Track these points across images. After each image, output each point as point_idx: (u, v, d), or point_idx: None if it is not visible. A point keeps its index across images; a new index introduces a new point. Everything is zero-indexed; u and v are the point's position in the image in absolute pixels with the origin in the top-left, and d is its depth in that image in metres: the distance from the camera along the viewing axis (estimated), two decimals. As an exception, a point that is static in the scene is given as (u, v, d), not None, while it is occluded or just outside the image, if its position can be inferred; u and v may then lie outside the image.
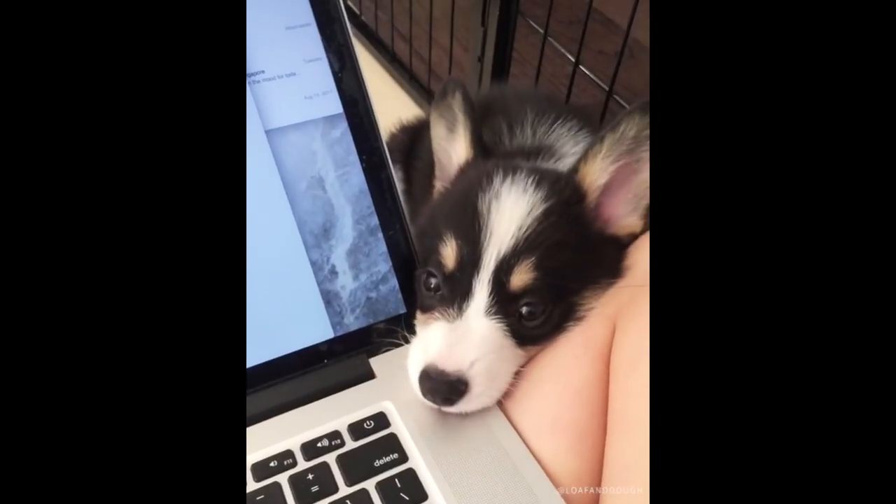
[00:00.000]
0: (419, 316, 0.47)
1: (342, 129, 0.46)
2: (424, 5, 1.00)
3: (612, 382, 0.41)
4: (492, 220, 0.43)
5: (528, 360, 0.44)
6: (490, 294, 0.43)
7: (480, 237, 0.43)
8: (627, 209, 0.47)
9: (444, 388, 0.40)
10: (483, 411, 0.42)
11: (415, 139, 0.69)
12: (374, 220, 0.47)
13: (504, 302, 0.43)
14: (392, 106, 0.94)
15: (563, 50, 0.80)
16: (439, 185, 0.55)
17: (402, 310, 0.47)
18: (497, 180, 0.45)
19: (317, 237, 0.45)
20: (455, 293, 0.43)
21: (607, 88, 0.72)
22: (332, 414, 0.42)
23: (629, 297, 0.43)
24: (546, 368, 0.43)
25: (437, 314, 0.44)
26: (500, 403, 0.43)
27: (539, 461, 0.40)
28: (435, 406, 0.42)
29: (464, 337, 0.42)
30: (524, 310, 0.43)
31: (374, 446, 0.41)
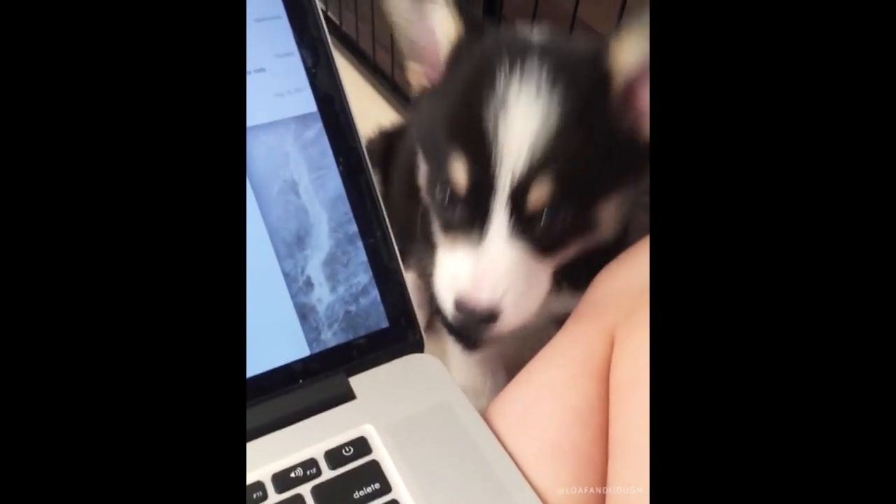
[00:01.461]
0: (439, 233, 0.45)
1: (317, 129, 0.43)
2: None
3: (612, 403, 0.38)
4: (501, 136, 0.39)
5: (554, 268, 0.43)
6: (510, 215, 0.40)
7: (491, 157, 0.39)
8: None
9: (477, 318, 0.41)
10: (475, 434, 0.39)
11: (394, 144, 0.66)
12: (353, 228, 0.43)
13: (524, 220, 0.41)
14: (375, 116, 0.91)
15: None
16: (418, 73, 0.48)
17: (384, 324, 0.44)
18: (501, 80, 0.40)
19: (290, 246, 0.42)
20: (474, 216, 0.41)
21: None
22: (308, 440, 0.38)
23: (627, 310, 0.40)
24: (543, 388, 0.40)
25: (459, 237, 0.42)
26: (495, 427, 0.40)
27: (538, 491, 0.36)
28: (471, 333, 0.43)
29: (491, 266, 0.41)
30: (544, 221, 0.41)
31: (354, 475, 0.37)
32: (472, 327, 0.42)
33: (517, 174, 0.39)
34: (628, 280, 0.41)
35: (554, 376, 0.40)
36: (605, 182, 0.42)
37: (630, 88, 0.41)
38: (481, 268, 0.41)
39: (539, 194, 0.39)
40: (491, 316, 0.41)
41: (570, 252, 0.44)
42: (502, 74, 0.40)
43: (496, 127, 0.39)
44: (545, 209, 0.40)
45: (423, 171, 0.48)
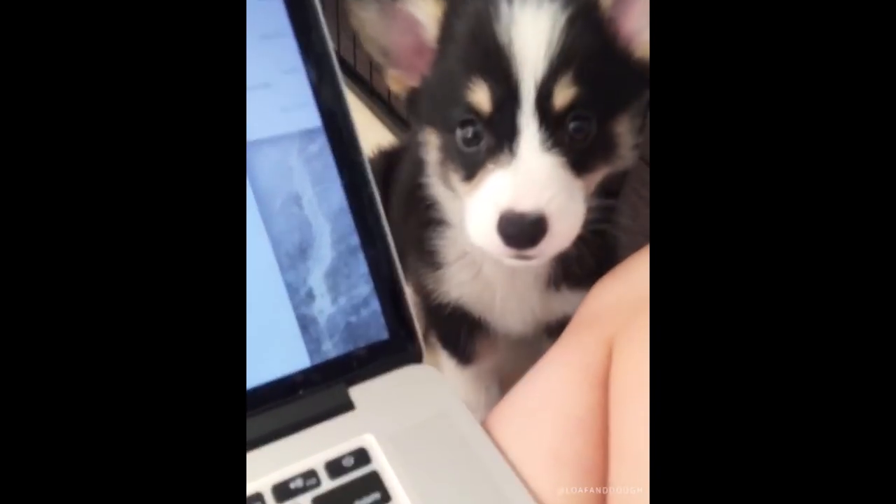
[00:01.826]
0: (463, 185, 0.44)
1: (321, 144, 0.43)
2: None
3: (612, 412, 0.38)
4: (517, 47, 0.40)
5: (588, 194, 0.43)
6: (539, 125, 0.40)
7: (512, 70, 0.40)
8: (642, 23, 0.44)
9: (528, 229, 0.39)
10: (475, 443, 0.39)
11: (393, 163, 0.67)
12: (355, 240, 0.44)
13: (554, 127, 0.41)
14: (372, 138, 0.93)
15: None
16: (399, 77, 0.50)
17: (385, 335, 0.44)
18: (505, 3, 0.41)
19: (293, 258, 0.42)
20: (502, 136, 0.41)
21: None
22: (308, 450, 0.38)
23: (626, 319, 0.40)
24: (543, 395, 0.40)
25: (489, 165, 0.41)
26: (495, 436, 0.40)
27: (538, 500, 0.36)
28: (514, 256, 0.41)
29: (530, 176, 0.40)
30: (572, 127, 0.41)
31: (354, 486, 0.37)
32: (523, 242, 0.40)
33: (539, 79, 0.40)
34: (626, 290, 0.42)
35: (554, 385, 0.40)
36: (618, 92, 0.43)
37: (616, 7, 0.43)
38: (521, 178, 0.40)
39: (564, 96, 0.40)
40: (541, 225, 0.39)
41: (597, 176, 0.44)
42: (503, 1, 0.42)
43: (510, 41, 0.40)
44: (571, 115, 0.41)
45: (434, 147, 0.48)
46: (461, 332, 0.61)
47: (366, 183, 0.44)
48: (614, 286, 0.43)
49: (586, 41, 0.41)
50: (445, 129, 0.45)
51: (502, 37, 0.41)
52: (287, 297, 0.42)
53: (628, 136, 0.45)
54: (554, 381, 0.40)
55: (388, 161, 0.70)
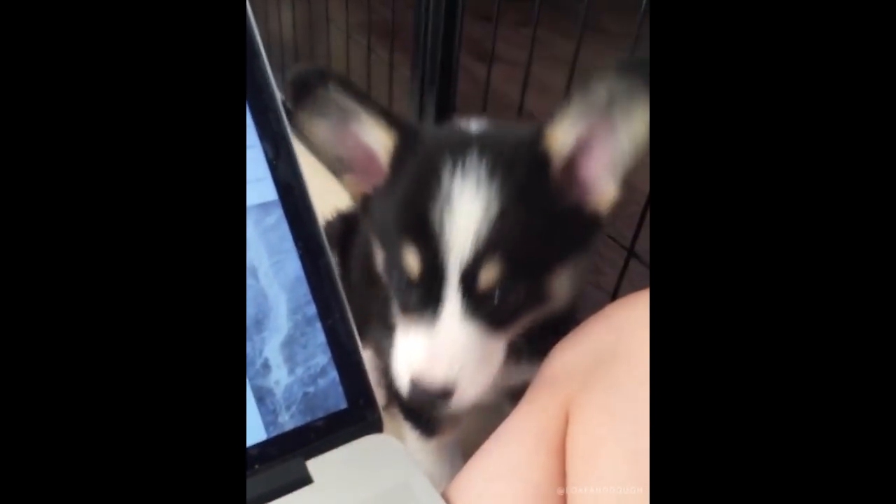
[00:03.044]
0: (399, 314, 0.47)
1: (276, 216, 0.44)
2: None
3: (569, 479, 0.38)
4: (447, 228, 0.42)
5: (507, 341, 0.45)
6: (462, 297, 0.43)
7: (439, 247, 0.42)
8: (603, 174, 0.45)
9: (433, 396, 0.43)
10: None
11: (351, 225, 0.68)
12: (312, 309, 0.44)
13: (476, 300, 0.43)
14: (333, 199, 0.94)
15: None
16: (354, 183, 0.51)
17: (343, 404, 0.44)
18: (444, 176, 0.43)
19: (248, 329, 0.42)
20: (428, 299, 0.44)
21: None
22: (263, 528, 0.38)
23: (581, 384, 0.41)
24: (501, 463, 0.40)
25: (415, 319, 0.44)
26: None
27: (497, 569, 0.36)
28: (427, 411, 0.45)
29: (445, 346, 0.43)
30: (497, 299, 0.43)
31: (312, 564, 0.36)
32: (428, 404, 0.44)
33: (464, 261, 0.42)
34: (581, 355, 0.43)
35: (511, 453, 0.40)
36: (553, 255, 0.45)
37: (570, 164, 0.45)
38: (436, 347, 0.43)
39: (488, 276, 0.42)
40: (446, 392, 0.43)
41: (524, 322, 0.46)
42: (444, 171, 0.43)
43: (441, 220, 0.42)
44: (496, 288, 0.43)
45: (380, 257, 0.50)
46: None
47: (322, 253, 0.45)
48: (570, 351, 0.44)
49: (519, 222, 0.42)
50: (388, 255, 0.47)
51: (436, 213, 0.43)
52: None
53: (566, 286, 0.47)
54: (512, 447, 0.41)
55: (347, 224, 0.71)
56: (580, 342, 0.46)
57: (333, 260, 0.45)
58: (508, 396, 0.62)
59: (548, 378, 0.46)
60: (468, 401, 0.44)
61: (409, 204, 0.45)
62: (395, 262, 0.46)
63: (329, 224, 0.74)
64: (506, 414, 0.45)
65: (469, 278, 0.43)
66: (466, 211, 0.42)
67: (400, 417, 0.66)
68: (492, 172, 0.43)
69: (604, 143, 0.44)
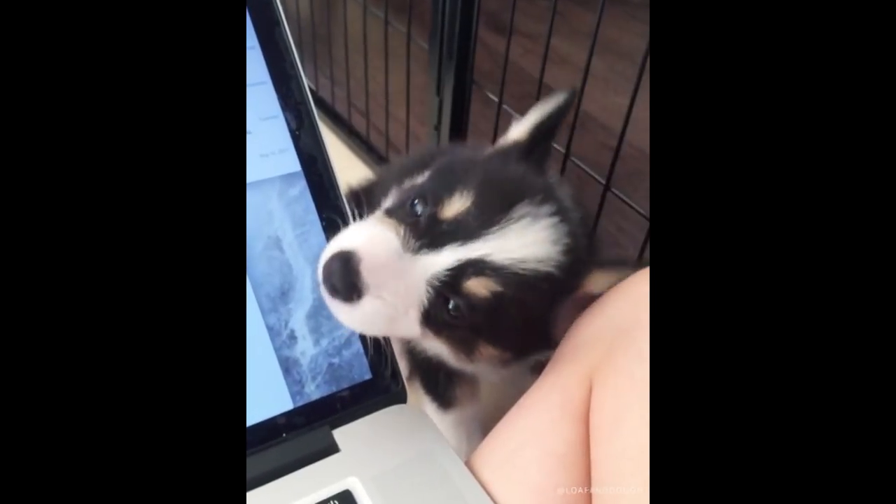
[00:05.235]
0: (379, 213, 0.45)
1: (300, 188, 0.44)
2: (380, 82, 1.02)
3: (593, 447, 0.38)
4: (490, 233, 0.42)
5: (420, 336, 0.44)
6: (449, 273, 0.41)
7: (474, 237, 0.42)
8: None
9: (343, 279, 0.39)
10: (460, 483, 0.39)
11: (360, 200, 0.68)
12: (336, 281, 0.44)
13: (449, 286, 0.41)
14: (351, 175, 0.94)
15: (518, 117, 0.82)
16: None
17: (368, 375, 0.44)
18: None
19: (274, 300, 0.43)
20: (432, 238, 0.42)
21: (563, 151, 0.73)
22: (292, 494, 0.38)
23: (603, 354, 0.41)
24: (525, 433, 0.40)
25: (400, 225, 0.42)
26: (479, 474, 0.40)
27: (523, 535, 0.36)
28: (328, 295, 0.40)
29: (403, 269, 0.41)
30: (452, 306, 0.42)
31: (340, 530, 0.37)
32: (333, 286, 0.39)
33: (472, 258, 0.42)
34: (604, 323, 0.43)
35: (534, 423, 0.41)
36: (504, 339, 0.45)
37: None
38: (398, 261, 0.41)
39: (479, 286, 0.41)
40: (355, 285, 0.39)
41: (438, 346, 0.46)
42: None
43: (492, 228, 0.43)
44: (465, 299, 0.42)
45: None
46: (440, 377, 0.61)
47: (346, 224, 0.45)
48: (592, 322, 0.44)
49: (524, 287, 0.42)
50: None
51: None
52: (269, 339, 0.42)
53: (488, 362, 0.47)
54: (535, 418, 0.41)
55: (357, 199, 0.70)
56: (601, 314, 0.46)
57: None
58: (529, 369, 0.62)
59: (570, 349, 0.46)
60: (354, 322, 0.41)
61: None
62: (427, 195, 0.44)
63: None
64: (525, 387, 0.45)
65: (469, 270, 0.42)
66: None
67: (420, 391, 0.66)
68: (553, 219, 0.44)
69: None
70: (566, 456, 0.38)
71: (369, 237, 0.41)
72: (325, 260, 0.40)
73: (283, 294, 0.43)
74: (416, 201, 0.44)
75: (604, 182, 0.69)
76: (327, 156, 0.45)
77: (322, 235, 0.44)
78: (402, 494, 0.38)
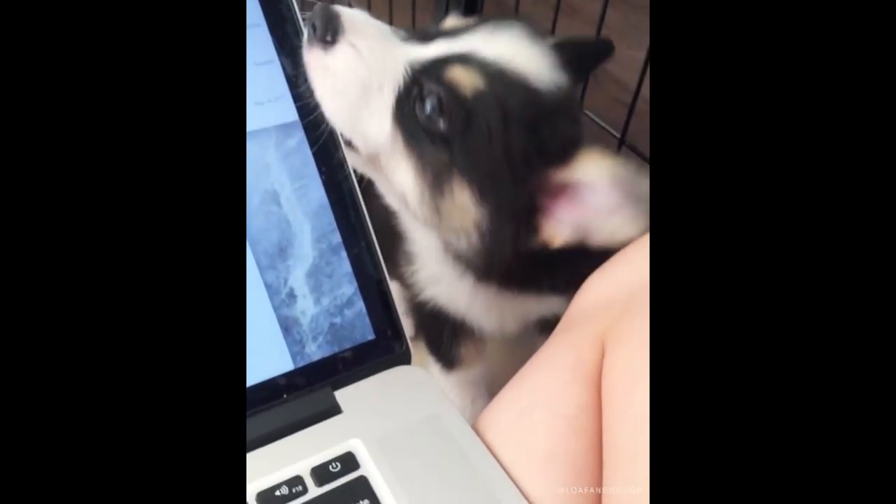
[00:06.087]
0: None
1: (298, 139, 0.42)
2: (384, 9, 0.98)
3: (605, 411, 0.37)
4: (482, 27, 0.43)
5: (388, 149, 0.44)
6: (433, 61, 0.41)
7: (469, 31, 0.43)
8: (570, 222, 0.44)
9: (322, 17, 0.41)
10: (466, 445, 0.38)
11: None
12: (337, 238, 0.42)
13: (431, 74, 0.41)
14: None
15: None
16: None
17: (370, 335, 0.43)
18: None
19: (272, 257, 0.41)
20: (422, 36, 0.43)
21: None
22: (293, 456, 0.37)
23: (617, 316, 0.39)
24: (534, 395, 0.39)
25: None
26: (485, 437, 0.39)
27: (532, 502, 0.35)
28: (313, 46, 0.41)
29: (386, 41, 0.42)
30: (430, 107, 0.41)
31: (342, 492, 0.35)
32: (313, 25, 0.41)
33: (461, 51, 0.42)
34: (617, 285, 0.41)
35: (544, 384, 0.39)
36: (481, 171, 0.43)
37: (567, 185, 0.43)
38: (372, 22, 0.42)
39: (458, 74, 0.41)
40: (333, 21, 0.41)
41: (400, 167, 0.44)
42: None
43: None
44: (444, 92, 0.41)
45: None
46: (444, 333, 0.60)
47: (346, 178, 0.43)
48: (604, 282, 0.42)
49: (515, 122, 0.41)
50: None
51: None
52: (267, 297, 0.41)
53: (459, 213, 0.44)
54: (544, 380, 0.39)
55: None
56: (614, 274, 0.44)
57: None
58: (538, 328, 0.61)
59: (582, 309, 0.44)
60: (339, 62, 0.42)
61: None
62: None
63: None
64: (534, 348, 0.44)
65: (446, 62, 0.42)
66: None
67: (424, 350, 0.65)
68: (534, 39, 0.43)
69: (597, 205, 0.43)
70: (577, 419, 0.37)
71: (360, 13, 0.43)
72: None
73: (282, 251, 0.41)
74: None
75: (618, 136, 0.66)
76: (326, 104, 0.42)
77: (321, 189, 0.42)
78: (406, 457, 0.37)
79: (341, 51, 0.41)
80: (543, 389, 0.39)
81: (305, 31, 0.41)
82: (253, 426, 0.38)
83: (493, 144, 0.41)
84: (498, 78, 0.40)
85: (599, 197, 0.42)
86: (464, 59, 0.41)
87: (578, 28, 0.77)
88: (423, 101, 0.41)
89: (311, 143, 0.42)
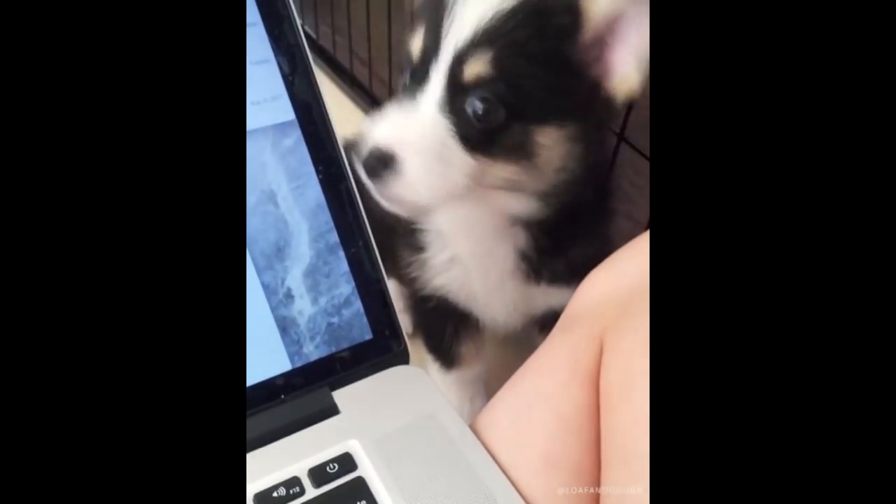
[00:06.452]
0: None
1: (295, 138, 0.42)
2: (383, 29, 0.97)
3: (603, 411, 0.37)
4: (455, 10, 0.41)
5: (479, 175, 0.43)
6: (445, 86, 0.42)
7: (442, 27, 0.42)
8: (629, 60, 0.43)
9: (372, 158, 0.41)
10: (464, 446, 0.38)
11: None
12: (334, 237, 0.42)
13: (457, 93, 0.42)
14: (354, 129, 0.91)
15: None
16: None
17: (368, 335, 0.43)
18: None
19: (269, 257, 0.41)
20: (416, 83, 0.43)
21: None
22: (290, 457, 0.37)
23: (617, 314, 0.39)
24: (532, 395, 0.39)
25: (399, 99, 0.43)
26: (483, 438, 0.38)
27: (530, 503, 0.35)
28: (372, 186, 0.42)
29: (406, 118, 0.42)
30: (475, 106, 0.41)
31: (339, 493, 0.35)
32: (369, 170, 0.41)
33: (459, 45, 0.41)
34: (616, 284, 0.41)
35: (543, 384, 0.39)
36: (544, 103, 0.42)
37: (599, 37, 0.42)
38: (398, 117, 0.42)
39: (474, 70, 0.41)
40: (385, 157, 0.41)
41: (498, 169, 0.44)
42: None
43: (455, 2, 0.41)
44: (476, 92, 0.41)
45: None
46: (446, 330, 0.60)
47: (343, 177, 0.42)
48: (604, 279, 0.42)
49: (521, 35, 0.40)
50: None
51: None
52: (265, 298, 0.40)
53: (553, 155, 0.44)
54: (543, 379, 0.39)
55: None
56: (614, 271, 0.44)
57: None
58: (537, 327, 0.60)
59: (580, 308, 0.44)
60: (404, 192, 0.42)
61: None
62: (406, 60, 0.45)
63: (349, 147, 0.70)
64: (533, 347, 0.43)
65: (456, 65, 0.41)
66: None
67: (422, 349, 0.65)
68: None
69: (639, 28, 0.42)
70: (575, 419, 0.37)
71: (374, 126, 0.42)
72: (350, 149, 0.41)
73: (279, 251, 0.41)
74: (403, 75, 0.45)
75: (617, 132, 0.66)
76: (323, 103, 0.42)
77: (319, 189, 0.42)
78: (404, 457, 0.37)
79: (407, 163, 0.41)
80: (541, 389, 0.39)
81: (368, 179, 0.42)
82: (250, 427, 0.38)
83: (537, 71, 0.42)
84: (500, 32, 0.41)
85: (630, 19, 0.42)
86: (464, 54, 0.41)
87: None
88: (468, 114, 0.42)
89: (308, 143, 0.42)
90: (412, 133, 0.42)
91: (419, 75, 0.43)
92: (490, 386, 0.65)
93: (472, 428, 0.39)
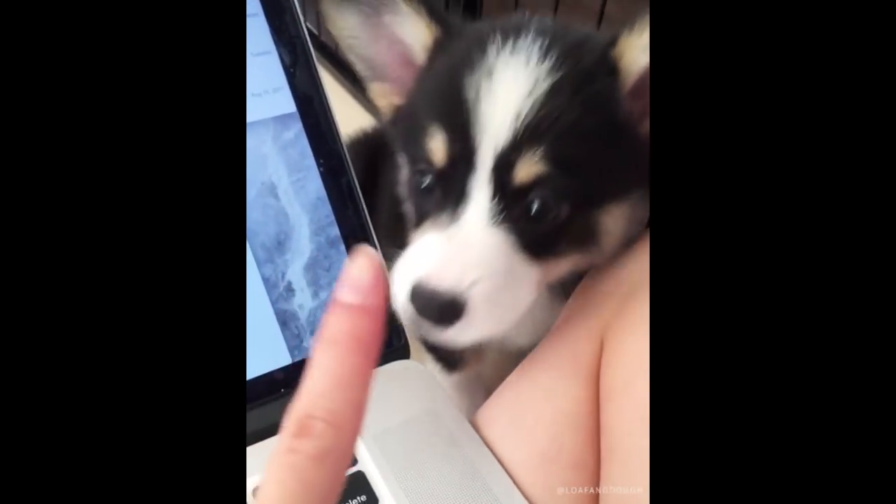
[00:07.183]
0: (413, 231, 0.38)
1: (296, 130, 0.41)
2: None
3: (603, 406, 0.37)
4: (483, 106, 0.34)
5: (545, 278, 0.36)
6: (493, 194, 0.34)
7: (472, 129, 0.34)
8: None
9: (436, 310, 0.33)
10: (464, 442, 0.37)
11: (376, 148, 0.63)
12: (335, 231, 0.42)
13: (510, 201, 0.34)
14: (356, 125, 0.90)
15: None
16: (384, 92, 0.43)
17: (368, 330, 0.42)
18: (492, 51, 0.35)
19: (269, 251, 0.40)
20: (449, 195, 0.35)
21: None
22: (290, 452, 0.37)
23: (616, 310, 0.39)
24: (532, 393, 0.39)
25: (430, 222, 0.36)
26: (483, 433, 0.38)
27: (529, 499, 0.35)
28: (422, 334, 0.35)
29: (462, 249, 0.34)
30: (535, 206, 0.34)
31: (339, 488, 0.35)
32: (431, 325, 0.33)
33: (500, 145, 0.34)
34: (617, 281, 0.40)
35: (543, 381, 0.39)
36: (608, 181, 0.37)
37: (641, 90, 0.36)
38: (450, 249, 0.34)
39: (527, 171, 0.34)
40: (453, 307, 0.33)
41: (563, 264, 0.38)
42: (493, 47, 0.36)
43: (478, 94, 0.35)
44: (534, 194, 0.35)
45: (403, 174, 0.44)
46: None
47: (344, 171, 0.42)
48: (605, 277, 0.42)
49: (570, 115, 0.34)
50: (410, 164, 0.40)
51: (471, 88, 0.35)
52: (265, 291, 0.40)
53: (616, 229, 0.38)
54: (543, 375, 0.39)
55: (376, 144, 0.65)
56: (614, 270, 0.43)
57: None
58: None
59: (581, 304, 0.44)
60: (483, 332, 0.34)
61: (443, 84, 0.37)
62: (419, 155, 0.37)
63: (354, 143, 0.68)
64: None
65: (503, 169, 0.34)
66: (510, 84, 0.34)
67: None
68: (547, 51, 0.35)
69: None
70: (574, 416, 0.37)
71: (435, 262, 0.34)
72: (404, 301, 0.34)
73: (280, 244, 0.41)
74: (417, 179, 0.38)
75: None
76: (325, 95, 0.42)
77: (319, 182, 0.42)
78: (405, 453, 0.37)
79: (472, 303, 0.33)
80: (541, 385, 0.38)
81: (429, 324, 0.34)
82: (250, 421, 0.38)
83: (587, 141, 0.35)
84: (539, 126, 0.34)
85: None
86: (510, 157, 0.34)
87: (580, 21, 0.76)
88: (527, 215, 0.35)
89: (309, 135, 0.41)
90: (475, 268, 0.34)
91: (449, 185, 0.36)
92: (490, 384, 0.64)
93: (473, 423, 0.39)
